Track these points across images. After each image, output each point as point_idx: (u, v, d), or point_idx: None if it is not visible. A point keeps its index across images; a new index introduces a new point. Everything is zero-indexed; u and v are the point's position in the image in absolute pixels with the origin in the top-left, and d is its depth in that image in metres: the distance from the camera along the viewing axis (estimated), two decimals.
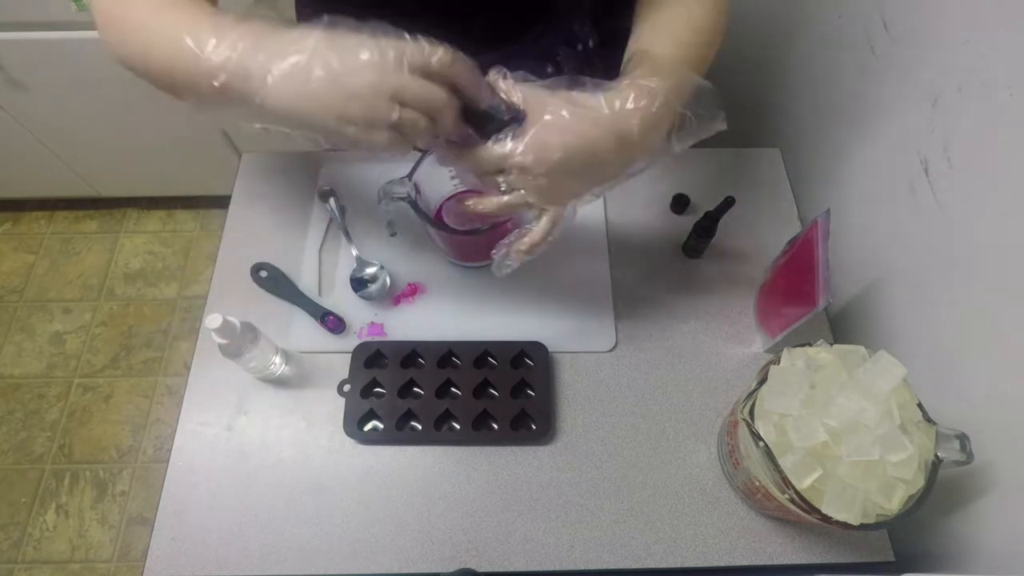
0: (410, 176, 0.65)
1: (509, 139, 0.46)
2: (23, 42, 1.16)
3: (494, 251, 0.53)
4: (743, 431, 0.54)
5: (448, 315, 0.72)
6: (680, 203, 0.79)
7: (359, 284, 0.73)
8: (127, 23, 0.48)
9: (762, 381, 0.54)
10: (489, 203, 0.50)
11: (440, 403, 0.66)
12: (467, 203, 0.51)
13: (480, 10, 0.63)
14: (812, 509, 0.49)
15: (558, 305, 0.73)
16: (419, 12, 0.49)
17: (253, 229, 0.78)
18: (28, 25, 1.14)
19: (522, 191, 0.48)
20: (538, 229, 0.50)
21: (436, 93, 0.42)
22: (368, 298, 0.72)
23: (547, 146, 0.45)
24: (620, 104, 0.46)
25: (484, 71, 0.50)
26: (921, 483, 0.50)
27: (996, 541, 0.55)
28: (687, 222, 0.75)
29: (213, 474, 0.64)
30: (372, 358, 0.68)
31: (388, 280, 0.73)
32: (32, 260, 1.72)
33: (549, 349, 0.69)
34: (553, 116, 0.45)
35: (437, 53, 0.42)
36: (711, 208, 0.71)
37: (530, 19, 0.68)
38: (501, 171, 0.47)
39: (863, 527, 0.48)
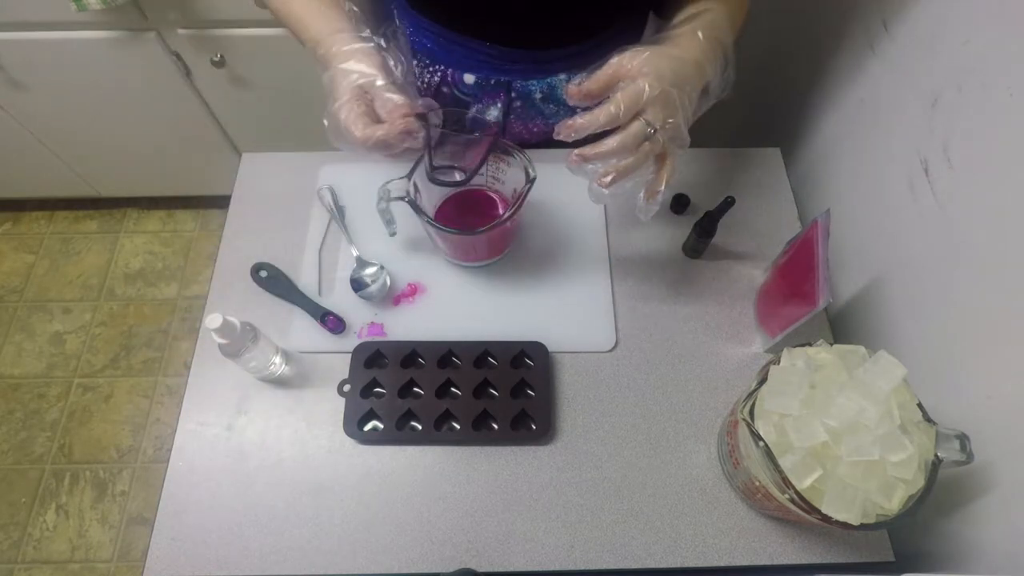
0: (410, 176, 0.65)
1: (629, 87, 0.51)
2: (23, 42, 1.16)
3: (643, 197, 0.57)
4: (743, 431, 0.54)
5: (448, 315, 0.72)
6: (680, 203, 0.79)
7: (359, 284, 0.73)
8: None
9: (762, 381, 0.54)
10: (601, 114, 0.52)
11: (440, 403, 0.66)
12: (578, 120, 0.52)
13: (544, 17, 0.66)
14: (812, 509, 0.49)
15: (558, 305, 0.73)
16: (489, 18, 0.66)
17: (253, 229, 0.78)
18: (28, 25, 1.14)
19: (647, 120, 0.52)
20: (664, 169, 0.56)
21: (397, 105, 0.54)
22: (368, 298, 0.72)
23: (659, 67, 0.52)
24: (683, 43, 0.56)
25: (546, 68, 0.72)
26: (921, 483, 0.50)
27: (996, 541, 0.55)
28: (687, 222, 0.75)
29: (213, 474, 0.64)
30: (372, 358, 0.68)
31: (388, 280, 0.73)
32: (32, 260, 1.72)
33: (549, 349, 0.69)
34: (643, 56, 0.53)
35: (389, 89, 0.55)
36: (711, 208, 0.71)
37: (591, 29, 0.70)
38: (638, 116, 0.52)
39: (863, 527, 0.48)
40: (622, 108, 0.51)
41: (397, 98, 0.54)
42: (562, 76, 0.73)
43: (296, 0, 0.62)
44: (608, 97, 0.52)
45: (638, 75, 0.51)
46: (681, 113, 0.53)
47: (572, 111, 0.72)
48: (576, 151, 0.53)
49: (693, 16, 0.59)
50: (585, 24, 0.70)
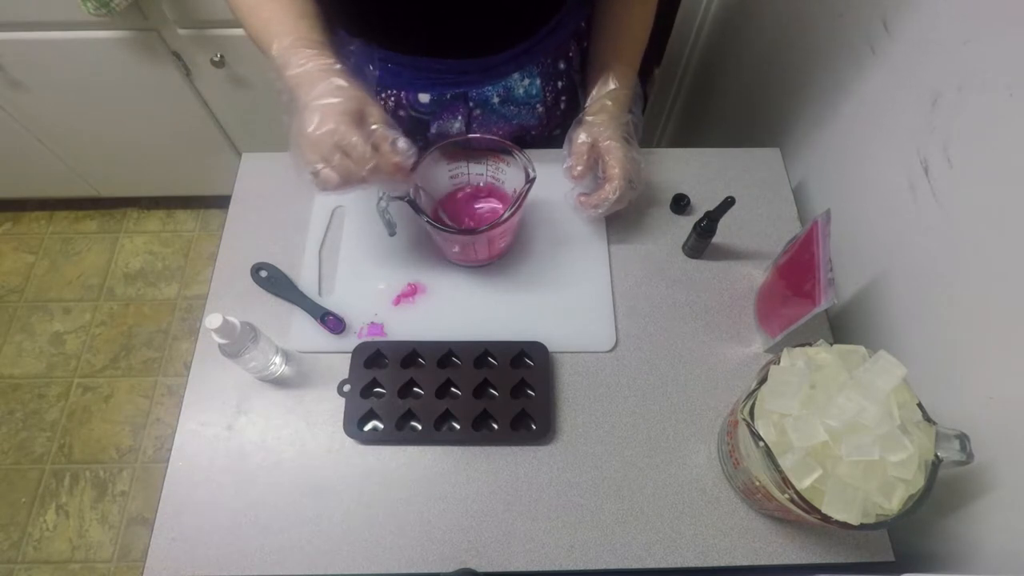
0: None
1: (616, 176, 0.70)
2: (23, 42, 1.16)
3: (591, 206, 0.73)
4: (743, 431, 0.54)
5: (448, 315, 0.72)
6: (680, 203, 0.79)
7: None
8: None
9: (762, 381, 0.54)
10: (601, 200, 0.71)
11: (440, 403, 0.66)
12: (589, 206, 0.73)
13: (490, 23, 0.66)
14: (812, 509, 0.49)
15: (558, 305, 0.73)
16: (439, 11, 0.63)
17: (253, 229, 0.78)
18: (28, 25, 1.14)
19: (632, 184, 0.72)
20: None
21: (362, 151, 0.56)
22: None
23: (616, 132, 0.71)
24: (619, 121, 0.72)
25: (499, 72, 0.72)
26: (921, 483, 0.50)
27: (996, 541, 0.55)
28: (687, 222, 0.76)
29: (213, 474, 0.64)
30: (372, 358, 0.68)
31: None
32: (32, 260, 1.72)
33: (549, 349, 0.69)
34: (604, 129, 0.71)
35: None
36: (711, 208, 0.71)
37: (542, 16, 0.70)
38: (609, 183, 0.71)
39: (863, 527, 0.48)
40: (619, 185, 0.69)
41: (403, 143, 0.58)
42: (515, 75, 0.73)
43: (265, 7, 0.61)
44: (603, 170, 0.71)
45: (608, 141, 0.69)
46: (639, 162, 0.72)
47: (532, 109, 0.78)
48: (584, 198, 0.73)
49: (609, 76, 0.73)
50: (530, 20, 0.69)
